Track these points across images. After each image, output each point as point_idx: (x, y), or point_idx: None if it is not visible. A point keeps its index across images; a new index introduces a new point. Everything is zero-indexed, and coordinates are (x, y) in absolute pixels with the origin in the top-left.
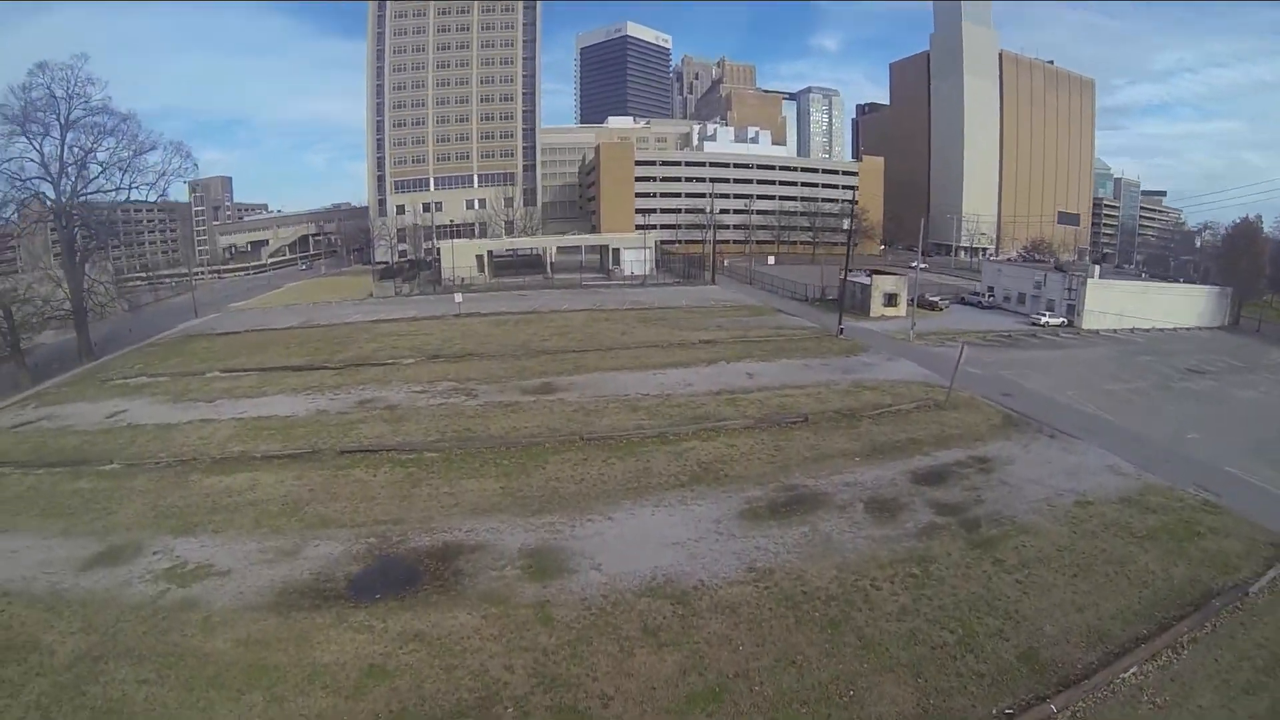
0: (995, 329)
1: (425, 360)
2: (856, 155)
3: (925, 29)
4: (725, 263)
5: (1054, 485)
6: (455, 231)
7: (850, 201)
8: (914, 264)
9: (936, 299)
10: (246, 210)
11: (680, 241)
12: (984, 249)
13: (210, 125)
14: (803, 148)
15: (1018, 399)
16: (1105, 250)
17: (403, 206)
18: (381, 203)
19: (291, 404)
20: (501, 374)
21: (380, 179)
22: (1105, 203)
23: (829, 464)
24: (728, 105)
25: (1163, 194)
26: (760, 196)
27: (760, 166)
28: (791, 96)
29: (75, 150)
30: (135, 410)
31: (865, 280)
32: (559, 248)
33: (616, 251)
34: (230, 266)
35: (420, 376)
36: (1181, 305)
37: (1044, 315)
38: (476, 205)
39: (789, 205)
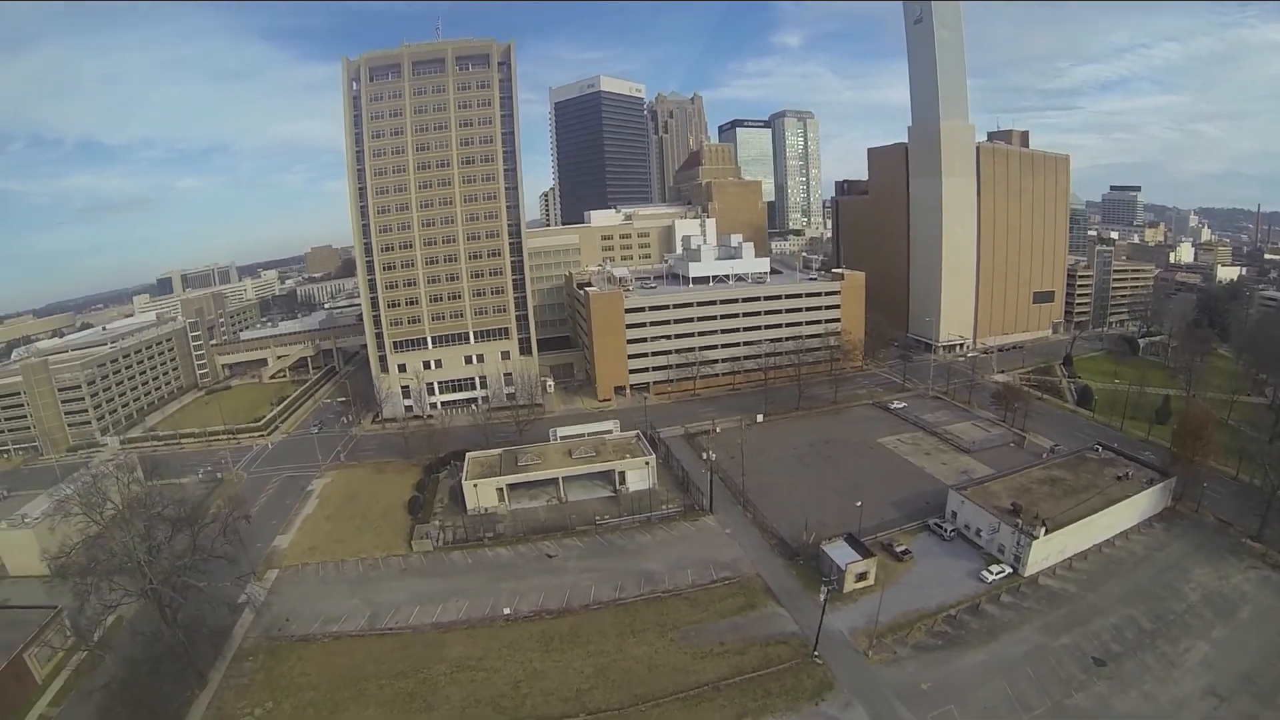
0: (945, 605)
1: None
2: (836, 239)
3: (886, 26)
4: (717, 430)
5: None
6: (456, 386)
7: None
8: (893, 404)
9: (900, 549)
10: (238, 318)
11: (673, 381)
12: (961, 342)
13: (190, 153)
14: (779, 173)
15: None
16: (1079, 319)
17: (404, 365)
18: (383, 359)
19: None
20: None
21: (379, 336)
22: (1079, 273)
23: None
24: (709, 195)
25: (1137, 189)
26: (746, 329)
27: (746, 300)
28: (766, 124)
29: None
30: None
31: (841, 565)
32: (570, 454)
33: (623, 475)
34: (244, 426)
35: None
36: (1124, 515)
37: (991, 571)
38: (475, 360)
39: (775, 329)
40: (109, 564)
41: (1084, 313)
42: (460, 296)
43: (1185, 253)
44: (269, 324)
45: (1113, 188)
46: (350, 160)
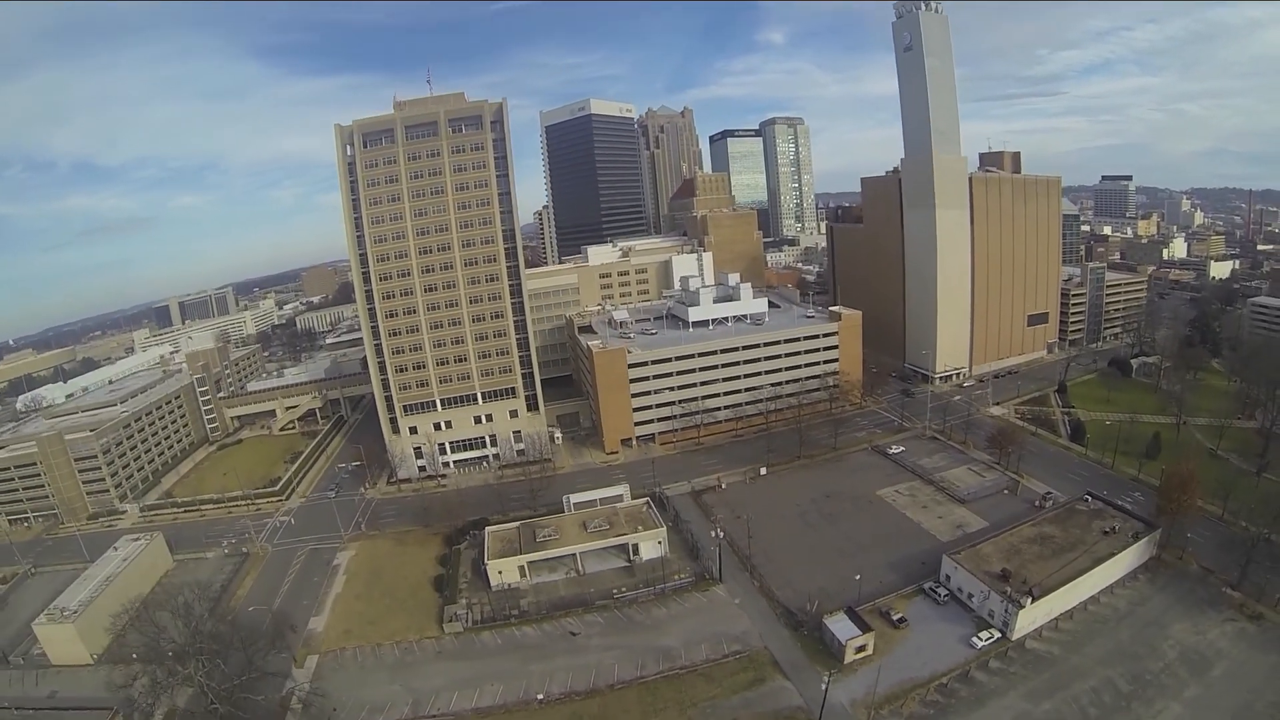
0: (937, 674)
1: None
2: (832, 266)
3: (870, 20)
4: (723, 485)
5: None
6: (467, 445)
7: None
8: (891, 449)
9: (897, 617)
10: (242, 365)
11: (677, 430)
12: (959, 370)
13: (183, 171)
14: (771, 179)
15: None
16: (1074, 336)
17: (415, 427)
18: (393, 420)
19: None
20: None
21: (389, 399)
22: (1073, 291)
23: None
24: (704, 228)
25: (1128, 179)
26: (747, 375)
27: (745, 347)
28: (757, 133)
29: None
30: None
31: (841, 640)
32: (586, 527)
33: (636, 546)
34: (261, 490)
35: None
36: (1109, 572)
37: (981, 637)
38: (484, 420)
39: (774, 373)
40: (169, 682)
41: (1078, 330)
42: (466, 359)
43: (1178, 248)
44: (273, 363)
45: (1104, 178)
46: (349, 227)
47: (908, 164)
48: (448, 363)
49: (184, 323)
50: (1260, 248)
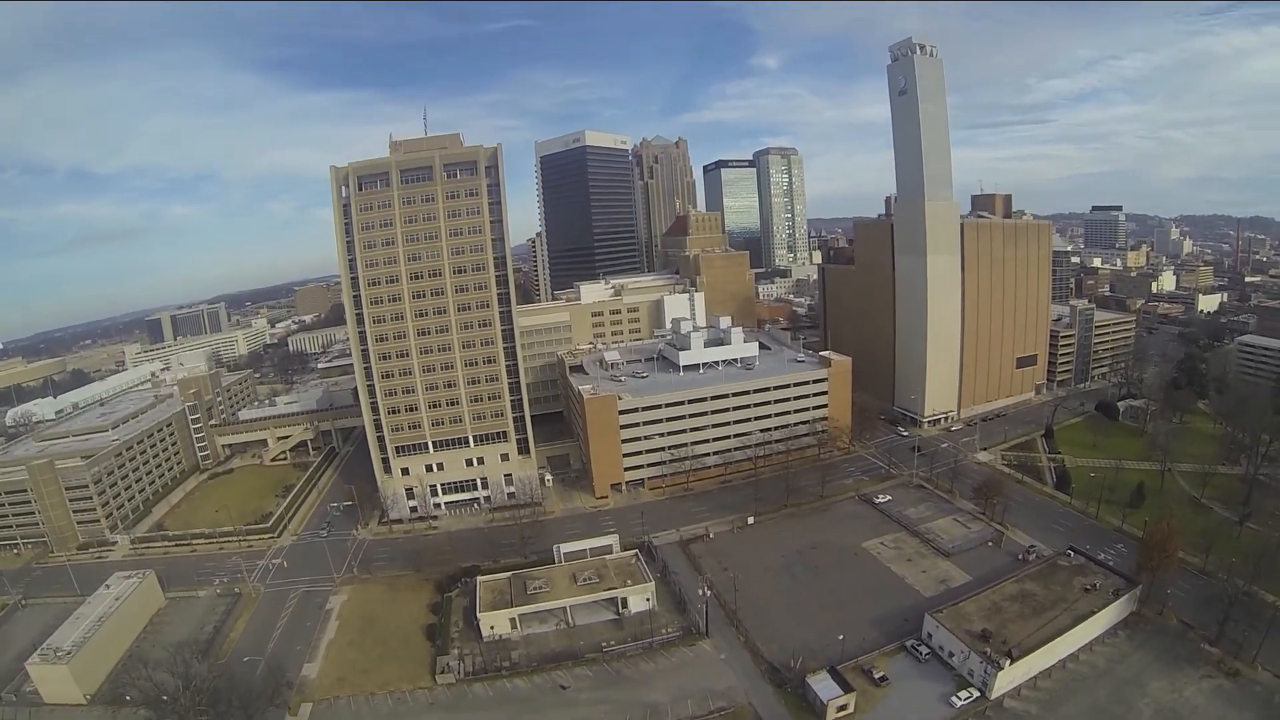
0: None
1: None
2: (824, 299)
3: (862, 48)
4: (710, 535)
5: None
6: (458, 487)
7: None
8: (878, 498)
9: (879, 676)
10: (234, 392)
11: (666, 475)
12: (947, 413)
13: (179, 181)
14: (764, 208)
15: None
16: (1062, 378)
17: (406, 468)
18: (385, 461)
19: None
20: None
21: (381, 440)
22: (1062, 333)
23: None
24: (697, 269)
25: (1118, 209)
26: (737, 421)
27: (735, 394)
28: (751, 163)
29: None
30: None
31: (823, 699)
32: (575, 580)
33: (625, 599)
34: (253, 527)
35: None
36: (1089, 630)
37: (960, 697)
38: (475, 463)
39: (764, 419)
40: None
41: (1066, 371)
42: (458, 402)
43: (1167, 280)
44: (264, 385)
45: (1095, 208)
46: (344, 269)
47: (900, 209)
48: (440, 405)
49: (175, 339)
50: (1248, 279)
